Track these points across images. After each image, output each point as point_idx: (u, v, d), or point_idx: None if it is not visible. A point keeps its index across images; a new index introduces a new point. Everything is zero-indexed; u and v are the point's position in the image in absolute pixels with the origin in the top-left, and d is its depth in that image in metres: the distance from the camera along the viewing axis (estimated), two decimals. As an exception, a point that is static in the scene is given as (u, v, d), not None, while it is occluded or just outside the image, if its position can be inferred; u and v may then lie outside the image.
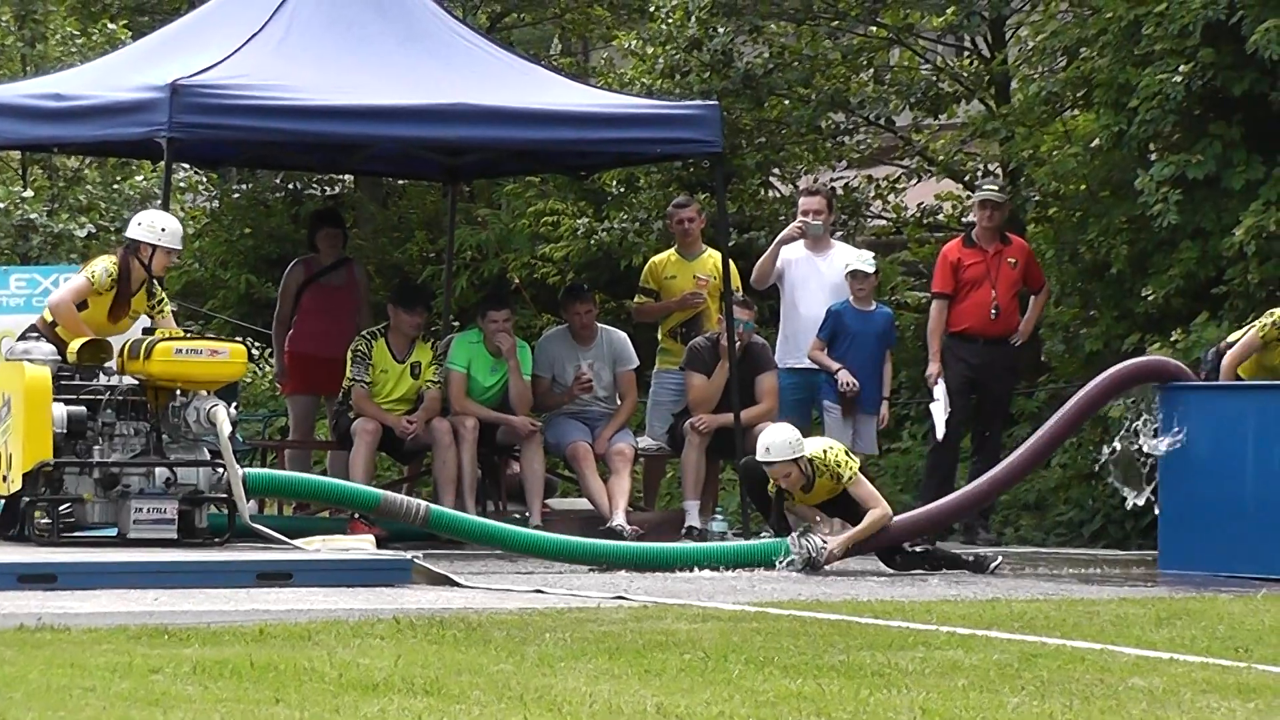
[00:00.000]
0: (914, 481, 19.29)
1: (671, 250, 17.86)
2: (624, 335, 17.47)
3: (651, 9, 22.81)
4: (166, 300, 14.60)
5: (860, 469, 14.79)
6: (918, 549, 15.06)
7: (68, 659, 8.59)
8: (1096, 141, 18.86)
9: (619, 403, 17.21)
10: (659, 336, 17.73)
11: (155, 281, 14.48)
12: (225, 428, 13.71)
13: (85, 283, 14.43)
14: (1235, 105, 17.77)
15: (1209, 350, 16.09)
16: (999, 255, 17.70)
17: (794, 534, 14.40)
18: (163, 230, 14.30)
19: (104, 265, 14.53)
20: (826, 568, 14.50)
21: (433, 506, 14.51)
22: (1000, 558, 15.14)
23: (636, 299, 17.90)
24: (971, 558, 15.06)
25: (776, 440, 14.30)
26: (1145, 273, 18.26)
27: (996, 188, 18.65)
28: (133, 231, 14.46)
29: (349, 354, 16.59)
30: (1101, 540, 18.50)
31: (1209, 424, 15.32)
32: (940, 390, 17.40)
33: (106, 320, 14.29)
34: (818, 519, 14.59)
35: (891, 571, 14.75)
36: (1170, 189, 17.67)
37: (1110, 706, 8.05)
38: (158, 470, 13.87)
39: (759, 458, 14.34)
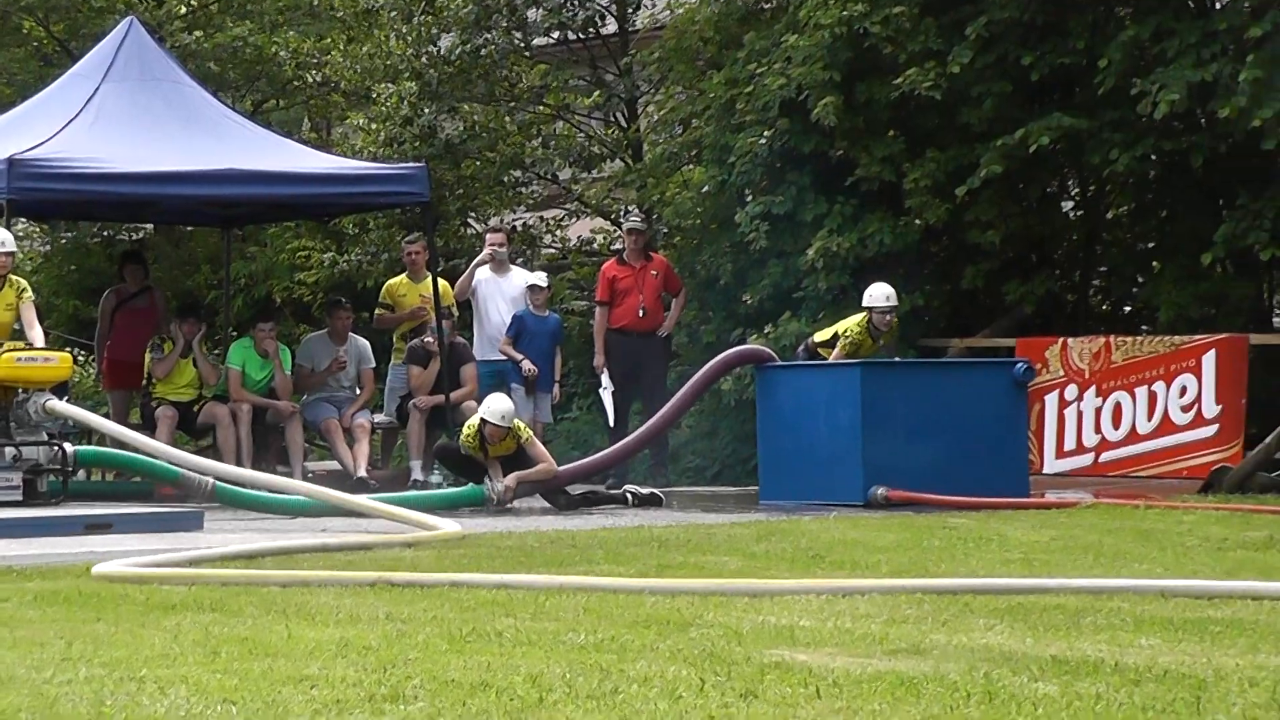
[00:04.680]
0: (582, 442, 19.28)
1: (403, 276, 17.73)
2: (366, 342, 17.36)
3: (375, 96, 22.63)
4: (28, 290, 14.36)
5: (534, 434, 14.91)
6: (579, 493, 15.07)
7: (-65, 595, 8.37)
8: (706, 188, 18.99)
9: (359, 391, 17.13)
10: (394, 340, 17.62)
11: (12, 279, 14.16)
12: (72, 410, 13.51)
13: None
14: (805, 160, 17.97)
15: (801, 347, 16.29)
16: (644, 269, 17.70)
17: (486, 480, 14.40)
18: None
19: None
20: (515, 505, 14.50)
21: (217, 483, 13.88)
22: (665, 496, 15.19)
23: (377, 311, 17.74)
24: (646, 494, 15.01)
25: (507, 409, 14.28)
26: (744, 284, 18.42)
27: (639, 219, 18.75)
28: None
29: (147, 354, 16.36)
30: (719, 481, 18.65)
31: (792, 394, 15.45)
32: (606, 378, 17.41)
33: None
34: (497, 473, 14.49)
35: (557, 511, 14.67)
36: (760, 222, 17.86)
37: (721, 602, 8.13)
38: (6, 449, 13.58)
39: (495, 421, 14.16)
